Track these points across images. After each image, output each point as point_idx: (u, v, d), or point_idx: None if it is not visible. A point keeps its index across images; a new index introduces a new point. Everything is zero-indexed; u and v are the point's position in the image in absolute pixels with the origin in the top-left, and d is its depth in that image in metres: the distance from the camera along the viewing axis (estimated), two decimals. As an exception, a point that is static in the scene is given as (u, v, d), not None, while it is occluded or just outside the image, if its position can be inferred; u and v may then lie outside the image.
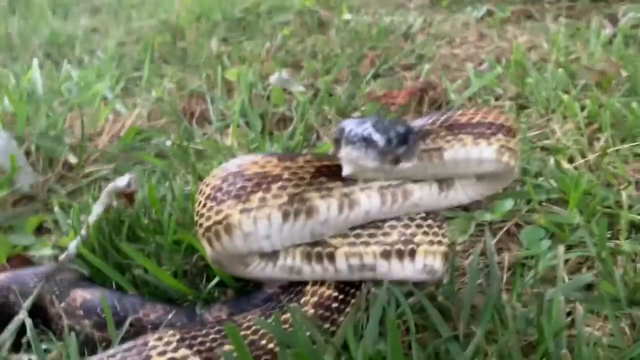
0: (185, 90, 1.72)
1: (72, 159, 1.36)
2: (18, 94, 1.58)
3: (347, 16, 2.50)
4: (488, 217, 0.97)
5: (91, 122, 1.50)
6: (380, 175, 0.67)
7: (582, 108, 1.28)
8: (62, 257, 0.88)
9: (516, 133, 0.68)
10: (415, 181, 0.69)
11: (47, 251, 1.05)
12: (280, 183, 0.68)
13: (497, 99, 1.50)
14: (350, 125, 0.63)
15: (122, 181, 0.94)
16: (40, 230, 1.16)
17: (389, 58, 1.93)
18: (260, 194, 0.68)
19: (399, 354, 0.61)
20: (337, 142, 0.65)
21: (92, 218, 0.89)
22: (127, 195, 0.94)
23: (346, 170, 0.64)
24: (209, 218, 0.69)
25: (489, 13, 2.42)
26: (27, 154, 1.35)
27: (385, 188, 0.69)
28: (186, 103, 1.64)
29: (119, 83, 1.75)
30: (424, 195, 0.69)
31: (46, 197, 1.27)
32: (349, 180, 0.69)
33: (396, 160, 0.59)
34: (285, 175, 0.69)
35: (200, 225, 0.70)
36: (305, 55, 2.07)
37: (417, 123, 0.67)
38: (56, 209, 1.10)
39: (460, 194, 0.71)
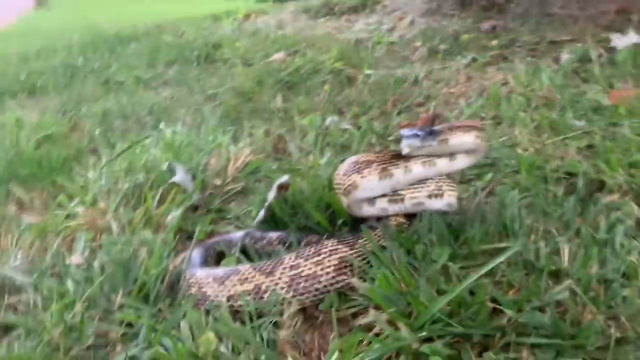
0: (271, 136, 2.54)
1: (217, 182, 2.17)
2: (163, 145, 2.40)
3: (368, 71, 3.35)
4: (478, 183, 1.75)
5: (222, 159, 2.32)
6: (422, 151, 1.46)
7: (533, 120, 2.08)
8: (256, 219, 1.68)
9: (483, 129, 1.47)
10: (438, 157, 1.48)
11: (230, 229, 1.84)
12: (375, 164, 1.47)
13: (481, 119, 2.31)
14: (404, 132, 1.43)
15: (282, 179, 1.74)
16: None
17: (405, 100, 2.76)
18: (367, 170, 1.47)
19: (443, 237, 1.39)
20: (400, 140, 1.44)
21: (269, 199, 1.68)
22: (284, 187, 1.74)
23: (404, 151, 1.43)
24: (344, 184, 1.47)
25: (473, 59, 3.26)
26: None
27: (424, 161, 1.48)
28: (275, 142, 2.46)
29: (227, 134, 2.58)
30: (442, 164, 1.48)
31: (209, 205, 2.07)
32: (407, 158, 1.48)
33: (429, 140, 1.38)
34: (377, 160, 1.48)
35: (339, 188, 1.48)
36: (345, 104, 2.90)
37: (436, 127, 1.47)
38: (232, 205, 1.90)
39: (460, 163, 1.49)
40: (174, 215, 1.81)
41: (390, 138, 2.32)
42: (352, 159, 1.49)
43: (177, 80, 3.95)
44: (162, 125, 2.71)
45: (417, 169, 1.45)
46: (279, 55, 4.06)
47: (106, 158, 2.38)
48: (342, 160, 1.54)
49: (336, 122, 2.60)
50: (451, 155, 1.45)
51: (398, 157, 1.46)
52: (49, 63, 5.07)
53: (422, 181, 1.49)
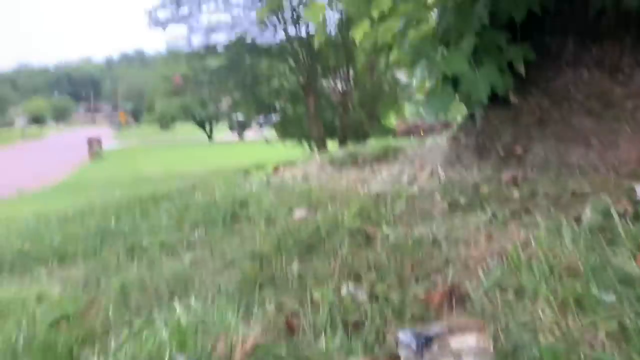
0: (284, 311, 2.45)
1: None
2: (171, 328, 2.33)
3: (386, 231, 3.31)
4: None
5: (229, 344, 2.22)
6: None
7: (556, 294, 1.94)
8: None
9: (484, 329, 1.35)
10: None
11: None
12: None
13: (502, 290, 2.17)
14: (402, 336, 1.33)
15: None
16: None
17: (424, 264, 2.67)
18: None
19: None
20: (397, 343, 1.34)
21: None
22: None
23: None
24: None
25: (494, 214, 3.19)
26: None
27: None
28: (287, 318, 2.36)
29: (237, 312, 2.49)
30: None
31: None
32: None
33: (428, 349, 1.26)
34: None
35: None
36: (363, 269, 2.82)
37: (433, 331, 1.36)
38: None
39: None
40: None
41: (407, 317, 2.19)
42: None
43: (202, 243, 3.99)
44: (175, 302, 2.66)
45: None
46: (300, 212, 4.11)
47: (115, 343, 2.32)
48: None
49: (352, 292, 2.50)
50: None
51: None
52: (85, 225, 5.28)
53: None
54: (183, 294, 2.95)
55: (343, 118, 25.31)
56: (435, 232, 3.07)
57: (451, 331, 1.29)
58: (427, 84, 3.64)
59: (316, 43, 4.95)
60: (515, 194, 3.50)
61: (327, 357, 1.90)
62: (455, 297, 2.17)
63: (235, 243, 3.72)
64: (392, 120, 25.73)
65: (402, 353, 1.21)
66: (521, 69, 3.85)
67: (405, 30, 4.08)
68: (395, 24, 4.31)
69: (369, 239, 3.30)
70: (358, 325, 2.20)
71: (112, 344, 2.31)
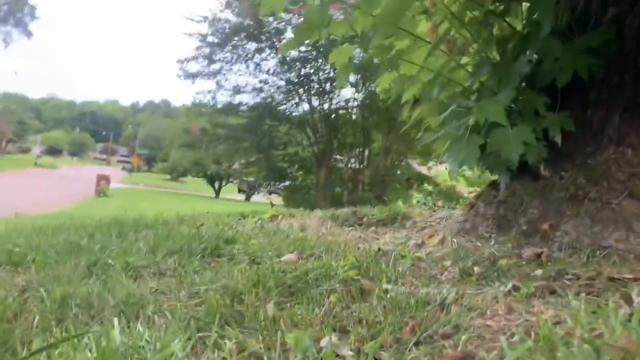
0: (246, 352, 1.92)
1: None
2: (101, 351, 1.81)
3: (386, 286, 2.80)
4: None
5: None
6: None
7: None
8: None
9: None
10: None
11: None
12: None
13: (530, 369, 1.65)
14: None
15: None
16: None
17: (428, 327, 2.15)
18: None
19: None
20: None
21: None
22: None
23: None
24: None
25: (515, 288, 2.69)
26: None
27: None
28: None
29: (189, 342, 1.97)
30: None
31: None
32: None
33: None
34: None
35: None
36: (351, 322, 2.30)
37: None
38: None
39: None
40: None
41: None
42: None
43: (172, 272, 3.48)
44: (115, 322, 2.15)
45: None
46: (290, 256, 3.62)
47: (26, 353, 1.80)
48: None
49: (334, 345, 1.98)
50: None
51: None
52: (55, 238, 4.80)
53: None
54: (132, 317, 2.43)
55: (351, 194, 25.07)
56: (444, 295, 2.56)
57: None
58: (453, 134, 3.26)
59: (337, 86, 4.67)
60: (539, 272, 3.00)
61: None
62: (470, 366, 1.65)
63: (209, 276, 3.21)
64: (400, 207, 25.41)
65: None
66: (558, 139, 3.47)
67: (435, 80, 3.76)
68: (425, 76, 4.01)
69: (364, 293, 2.79)
70: (336, 383, 1.68)
71: (24, 353, 1.79)
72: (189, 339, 1.99)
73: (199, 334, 2.17)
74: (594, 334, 1.84)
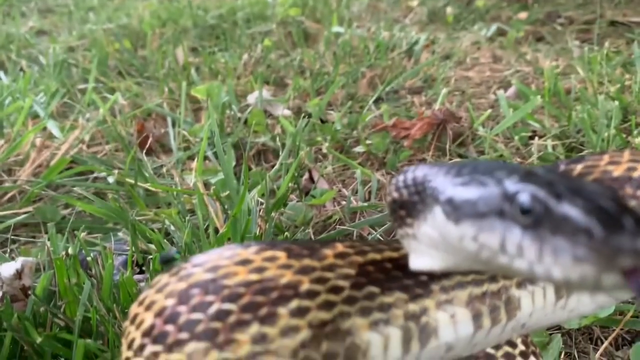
0: (140, 109, 1.36)
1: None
2: None
3: (337, 29, 2.18)
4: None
5: (10, 147, 1.13)
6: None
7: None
8: None
9: None
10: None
11: None
12: (295, 302, 0.34)
13: (536, 136, 1.20)
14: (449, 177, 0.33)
15: (7, 269, 0.57)
16: None
17: (391, 79, 1.62)
18: (256, 328, 0.33)
19: None
20: (413, 207, 0.34)
21: None
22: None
23: (424, 263, 0.32)
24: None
25: (500, 32, 2.15)
26: None
27: (478, 299, 0.37)
28: (140, 125, 1.29)
29: (56, 97, 1.38)
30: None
31: None
32: (420, 288, 0.36)
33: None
34: (305, 284, 0.35)
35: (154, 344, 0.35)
36: (291, 72, 1.74)
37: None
38: None
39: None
40: None
41: (358, 148, 1.18)
42: (209, 263, 0.36)
43: (62, 9, 2.69)
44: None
45: (452, 328, 0.35)
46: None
47: None
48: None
49: (265, 102, 1.44)
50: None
51: (386, 271, 0.35)
52: None
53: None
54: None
55: None
56: (410, 40, 1.99)
57: None
58: None
59: None
60: (523, 14, 2.44)
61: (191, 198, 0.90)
62: (452, 131, 1.17)
63: (105, 15, 2.46)
64: None
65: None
66: None
67: None
68: None
69: (308, 37, 2.17)
70: (261, 155, 1.19)
71: None
72: (55, 93, 1.38)
73: (80, 86, 1.57)
74: (617, 87, 1.37)
